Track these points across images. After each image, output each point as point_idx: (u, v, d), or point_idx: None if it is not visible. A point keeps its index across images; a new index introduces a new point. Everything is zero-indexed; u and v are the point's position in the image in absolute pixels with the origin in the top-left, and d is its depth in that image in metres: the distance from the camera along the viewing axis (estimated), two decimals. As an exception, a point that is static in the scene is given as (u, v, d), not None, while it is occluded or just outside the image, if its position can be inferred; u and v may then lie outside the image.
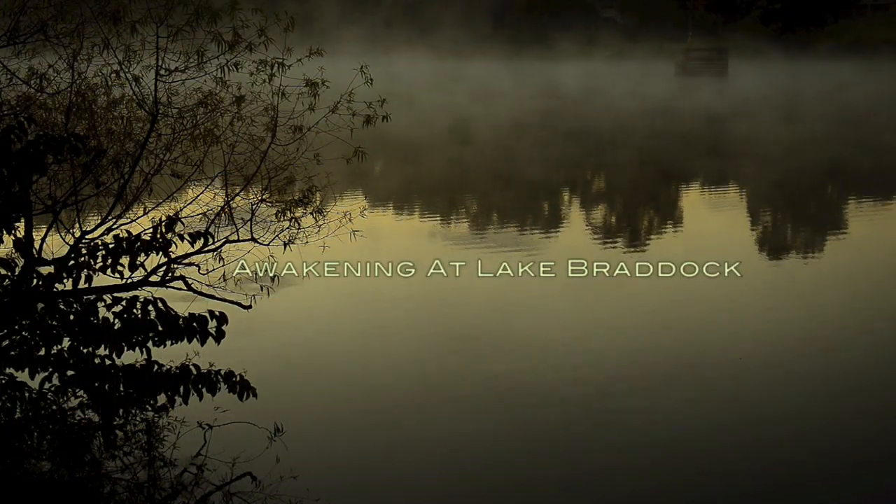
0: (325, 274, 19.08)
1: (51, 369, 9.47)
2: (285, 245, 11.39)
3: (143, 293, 9.79)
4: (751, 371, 14.50)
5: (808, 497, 10.76)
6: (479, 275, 20.53)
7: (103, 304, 9.61)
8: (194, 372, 9.72)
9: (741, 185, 37.53)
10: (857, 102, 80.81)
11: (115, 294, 9.79)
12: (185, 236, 10.09)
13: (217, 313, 9.69)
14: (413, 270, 20.69)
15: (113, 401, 9.62)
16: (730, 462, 11.43)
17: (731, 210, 31.29)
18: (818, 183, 38.39)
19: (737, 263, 21.13)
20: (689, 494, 10.76)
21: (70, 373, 9.50)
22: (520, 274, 20.67)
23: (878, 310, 18.18)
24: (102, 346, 9.51)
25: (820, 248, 25.75)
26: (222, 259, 10.99)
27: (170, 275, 10.48)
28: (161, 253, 10.05)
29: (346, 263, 19.92)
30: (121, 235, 9.80)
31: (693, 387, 13.86)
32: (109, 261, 9.63)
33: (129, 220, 10.96)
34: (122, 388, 9.59)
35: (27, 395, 9.64)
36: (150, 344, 9.60)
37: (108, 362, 9.53)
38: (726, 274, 20.43)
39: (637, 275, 20.70)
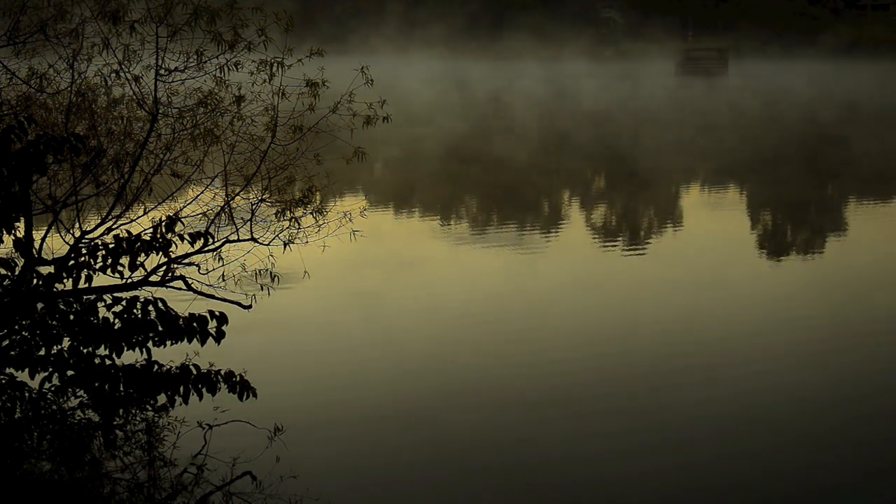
0: (325, 274, 19.06)
1: (51, 369, 9.46)
2: (285, 245, 11.38)
3: (143, 293, 9.78)
4: (765, 373, 14.52)
5: (821, 500, 10.78)
6: (491, 274, 20.54)
7: (103, 304, 9.60)
8: (194, 372, 9.71)
9: (742, 185, 37.53)
10: (857, 102, 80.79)
11: (115, 294, 9.78)
12: (185, 236, 10.07)
13: (217, 313, 9.67)
14: (412, 270, 20.69)
15: (113, 401, 9.61)
16: (738, 460, 11.45)
17: (733, 210, 31.29)
18: (821, 182, 38.38)
19: (742, 263, 21.17)
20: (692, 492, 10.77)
21: (70, 373, 9.48)
22: (519, 272, 20.68)
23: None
24: (102, 346, 9.50)
25: (820, 248, 25.74)
26: (222, 259, 10.98)
27: (170, 275, 10.46)
28: (161, 253, 10.03)
29: (344, 264, 19.92)
30: (121, 235, 9.77)
31: (706, 388, 13.88)
32: (109, 261, 9.61)
33: (129, 220, 10.95)
34: (122, 388, 9.58)
35: (27, 395, 9.63)
36: (150, 344, 9.59)
37: (108, 362, 9.52)
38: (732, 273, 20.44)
39: (643, 273, 20.71)
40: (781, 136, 55.89)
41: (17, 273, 9.47)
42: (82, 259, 9.59)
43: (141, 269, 9.92)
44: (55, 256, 9.92)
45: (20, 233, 9.67)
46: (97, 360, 9.50)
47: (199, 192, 11.55)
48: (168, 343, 9.59)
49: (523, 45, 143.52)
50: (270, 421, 11.30)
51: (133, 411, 10.07)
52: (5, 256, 9.58)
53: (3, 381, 9.56)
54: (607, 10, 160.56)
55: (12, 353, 9.40)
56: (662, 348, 15.59)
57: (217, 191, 11.52)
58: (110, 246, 9.66)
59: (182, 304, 10.29)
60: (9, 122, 9.56)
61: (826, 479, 11.13)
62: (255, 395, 9.96)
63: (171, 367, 9.73)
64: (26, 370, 9.44)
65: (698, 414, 12.86)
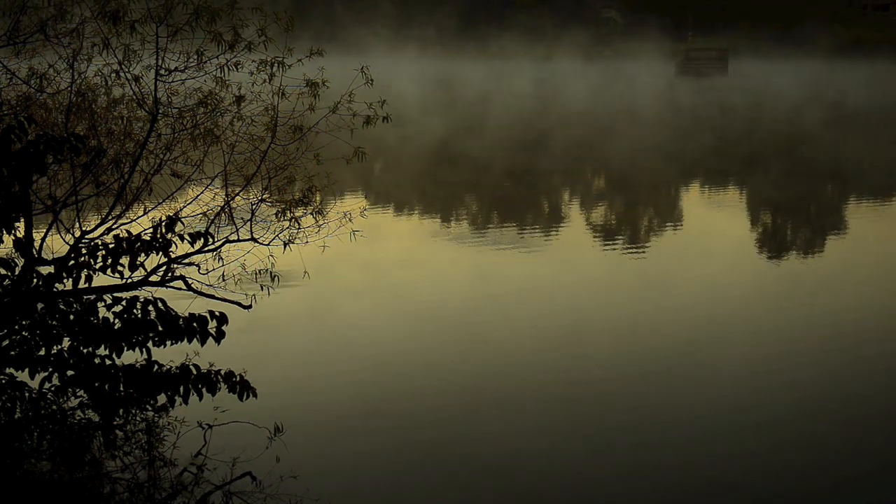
0: (325, 274, 19.06)
1: (51, 369, 9.45)
2: (285, 245, 11.38)
3: (143, 293, 9.77)
4: (763, 373, 14.52)
5: (821, 500, 10.77)
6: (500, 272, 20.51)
7: (103, 304, 9.59)
8: (194, 372, 9.71)
9: (742, 185, 37.53)
10: (857, 102, 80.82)
11: (115, 294, 9.77)
12: (185, 236, 10.06)
13: (217, 313, 9.66)
14: (412, 270, 20.67)
15: (113, 401, 9.60)
16: (738, 460, 11.46)
17: (732, 210, 31.28)
18: (821, 182, 38.37)
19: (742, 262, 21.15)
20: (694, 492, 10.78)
21: (70, 373, 9.48)
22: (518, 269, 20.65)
23: None
24: (102, 346, 9.50)
25: (821, 247, 25.74)
26: (222, 259, 10.97)
27: (170, 275, 10.46)
28: (161, 253, 10.03)
29: (344, 264, 19.91)
30: (121, 235, 9.77)
31: (707, 387, 13.88)
32: (109, 261, 9.61)
33: (129, 220, 10.95)
34: (122, 388, 9.58)
35: (27, 395, 9.62)
36: (150, 344, 9.58)
37: (108, 362, 9.52)
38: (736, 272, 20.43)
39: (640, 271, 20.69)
40: (782, 135, 55.87)
41: (17, 273, 9.47)
42: (82, 259, 9.59)
43: (141, 269, 9.92)
44: (55, 256, 9.92)
45: (20, 233, 9.66)
46: (97, 360, 9.50)
47: (199, 192, 11.55)
48: (168, 343, 9.59)
49: (521, 46, 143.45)
50: (270, 421, 11.30)
51: (133, 411, 10.07)
52: (5, 256, 9.58)
53: (3, 381, 9.55)
54: (607, 10, 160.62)
55: (12, 353, 9.39)
56: (663, 348, 15.60)
57: (217, 191, 11.51)
58: (110, 246, 9.66)
59: (182, 304, 10.29)
60: (9, 122, 9.55)
61: (826, 479, 11.13)
62: (255, 395, 9.95)
63: (171, 367, 9.72)
64: (26, 370, 9.44)
65: (698, 414, 12.86)
